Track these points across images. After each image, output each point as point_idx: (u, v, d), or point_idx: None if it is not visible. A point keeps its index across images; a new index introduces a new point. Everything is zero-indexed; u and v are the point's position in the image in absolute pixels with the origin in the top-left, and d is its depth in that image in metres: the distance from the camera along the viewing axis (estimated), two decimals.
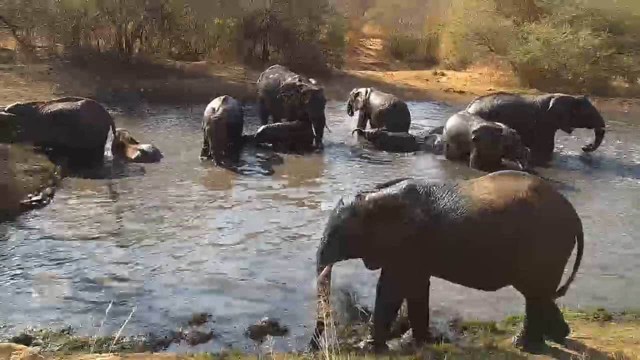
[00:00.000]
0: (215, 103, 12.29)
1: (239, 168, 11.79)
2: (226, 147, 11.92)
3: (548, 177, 11.10)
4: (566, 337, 5.93)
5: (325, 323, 5.17)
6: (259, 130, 13.30)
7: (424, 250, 5.57)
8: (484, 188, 5.67)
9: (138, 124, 14.43)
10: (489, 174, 5.98)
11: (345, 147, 13.62)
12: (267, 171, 11.73)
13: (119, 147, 12.03)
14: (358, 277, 6.76)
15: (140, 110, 16.06)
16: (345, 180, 11.34)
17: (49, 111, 11.27)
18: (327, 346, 3.92)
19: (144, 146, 12.04)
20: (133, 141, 12.22)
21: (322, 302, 5.32)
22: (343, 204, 5.80)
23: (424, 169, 12.29)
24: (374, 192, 5.80)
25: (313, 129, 13.41)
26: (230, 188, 10.66)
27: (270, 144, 13.16)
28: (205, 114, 12.13)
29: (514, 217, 5.48)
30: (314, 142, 13.40)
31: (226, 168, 11.57)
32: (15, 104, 11.54)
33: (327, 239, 5.84)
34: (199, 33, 22.15)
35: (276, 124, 13.80)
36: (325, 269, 5.71)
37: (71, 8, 18.00)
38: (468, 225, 5.47)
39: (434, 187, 5.75)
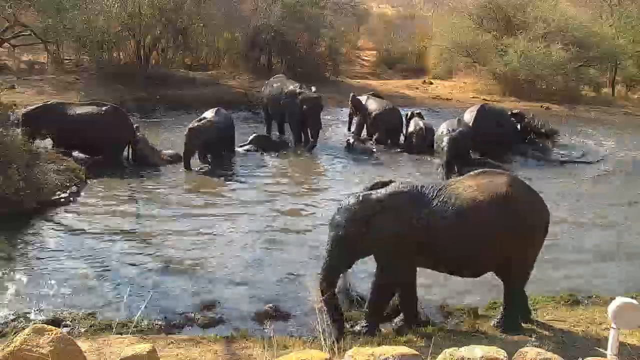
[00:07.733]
0: (207, 114, 11.99)
1: (241, 170, 11.64)
2: (196, 153, 11.52)
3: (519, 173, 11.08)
4: (536, 319, 5.96)
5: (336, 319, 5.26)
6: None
7: (416, 244, 5.56)
8: (469, 186, 5.67)
9: (155, 129, 14.36)
10: (470, 173, 5.98)
11: (340, 148, 13.49)
12: (268, 173, 11.63)
13: (141, 152, 11.57)
14: (354, 268, 6.72)
15: (157, 116, 15.99)
16: (340, 179, 11.29)
17: (76, 112, 11.20)
18: (320, 330, 3.90)
19: (167, 152, 11.88)
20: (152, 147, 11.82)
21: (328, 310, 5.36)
22: (343, 205, 5.75)
23: (414, 170, 12.23)
24: (372, 192, 5.76)
25: (309, 132, 13.31)
26: (236, 189, 10.54)
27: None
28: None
29: (497, 210, 5.49)
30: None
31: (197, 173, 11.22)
32: (43, 103, 11.51)
33: (331, 243, 5.73)
34: (209, 46, 22.22)
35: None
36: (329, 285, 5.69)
37: (96, 25, 18.20)
38: (456, 219, 5.48)
39: (425, 187, 5.74)
